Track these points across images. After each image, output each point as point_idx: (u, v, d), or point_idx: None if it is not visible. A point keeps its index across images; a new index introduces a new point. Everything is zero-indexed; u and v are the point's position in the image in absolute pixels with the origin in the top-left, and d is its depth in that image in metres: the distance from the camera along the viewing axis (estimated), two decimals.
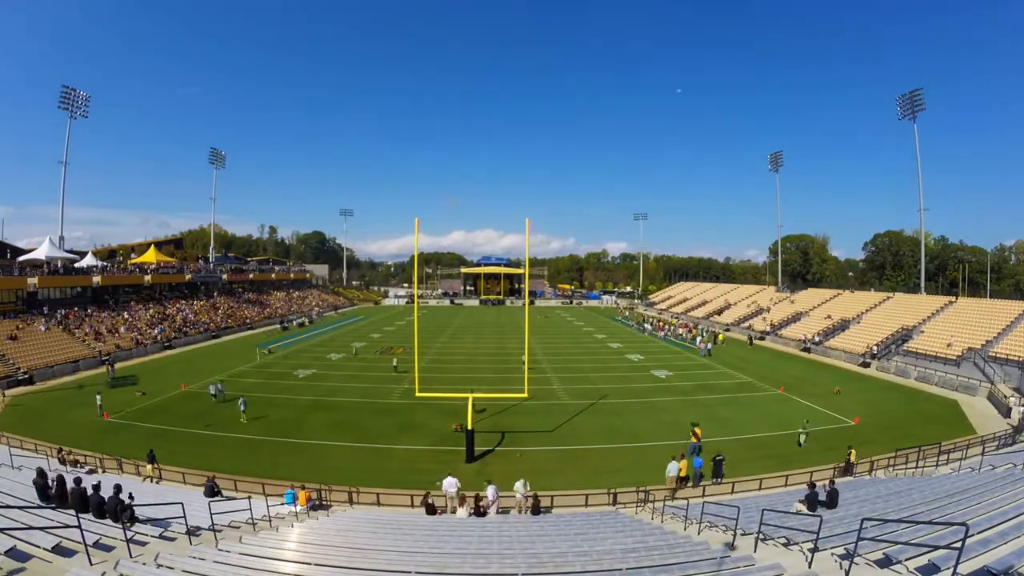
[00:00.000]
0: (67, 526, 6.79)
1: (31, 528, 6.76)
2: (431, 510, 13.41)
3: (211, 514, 9.32)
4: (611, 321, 65.26)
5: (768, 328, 50.97)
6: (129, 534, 7.36)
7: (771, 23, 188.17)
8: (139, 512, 9.36)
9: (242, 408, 22.37)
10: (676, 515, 12.21)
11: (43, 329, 35.30)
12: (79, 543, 6.46)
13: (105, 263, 51.82)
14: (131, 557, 6.82)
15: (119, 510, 8.50)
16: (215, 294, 60.50)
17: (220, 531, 9.46)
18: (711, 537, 9.41)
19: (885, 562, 6.02)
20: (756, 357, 39.25)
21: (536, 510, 13.41)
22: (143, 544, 7.77)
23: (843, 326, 44.85)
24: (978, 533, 6.04)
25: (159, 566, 6.65)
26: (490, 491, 13.88)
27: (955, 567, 4.84)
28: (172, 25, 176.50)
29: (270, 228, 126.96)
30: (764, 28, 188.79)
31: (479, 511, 13.08)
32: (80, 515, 6.92)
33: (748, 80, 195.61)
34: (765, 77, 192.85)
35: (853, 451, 17.32)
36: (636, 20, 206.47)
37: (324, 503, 14.87)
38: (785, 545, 7.72)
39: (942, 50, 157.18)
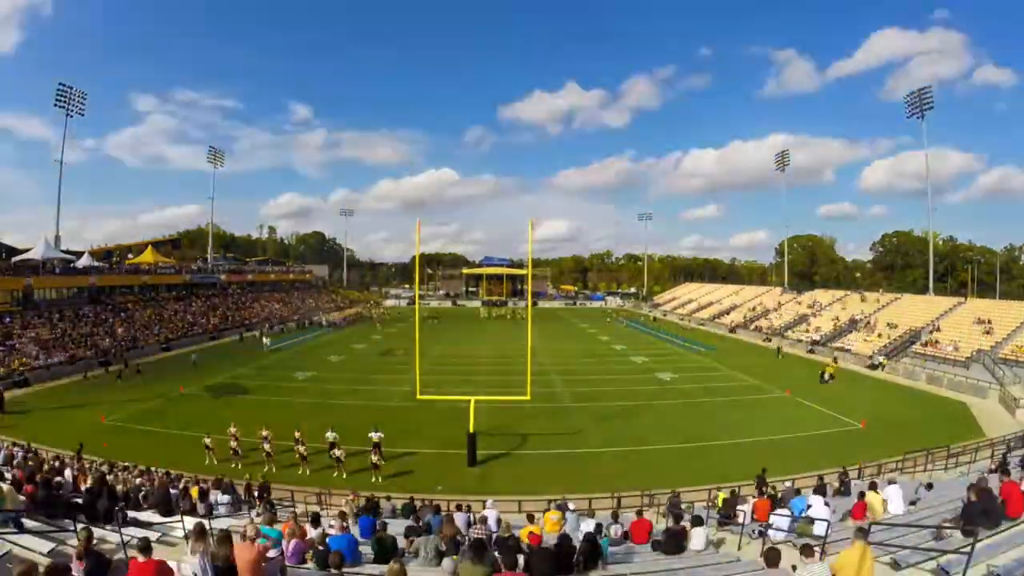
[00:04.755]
0: (63, 530, 6.74)
1: (25, 532, 6.71)
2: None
3: (209, 517, 9.26)
4: (610, 322, 65.01)
5: (774, 329, 50.66)
6: (126, 538, 7.29)
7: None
8: (139, 515, 9.33)
9: None
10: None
11: (39, 330, 35.40)
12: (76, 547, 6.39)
13: (102, 263, 51.88)
14: None
15: (114, 513, 8.44)
16: (213, 295, 60.58)
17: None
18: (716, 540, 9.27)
19: (895, 566, 5.91)
20: (761, 361, 38.95)
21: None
22: None
23: (851, 327, 44.50)
24: (987, 538, 5.91)
25: None
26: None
27: (964, 571, 4.74)
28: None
29: (269, 228, 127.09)
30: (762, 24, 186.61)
31: None
32: (75, 519, 6.86)
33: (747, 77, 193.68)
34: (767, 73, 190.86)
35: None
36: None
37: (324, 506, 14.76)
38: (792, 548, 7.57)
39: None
